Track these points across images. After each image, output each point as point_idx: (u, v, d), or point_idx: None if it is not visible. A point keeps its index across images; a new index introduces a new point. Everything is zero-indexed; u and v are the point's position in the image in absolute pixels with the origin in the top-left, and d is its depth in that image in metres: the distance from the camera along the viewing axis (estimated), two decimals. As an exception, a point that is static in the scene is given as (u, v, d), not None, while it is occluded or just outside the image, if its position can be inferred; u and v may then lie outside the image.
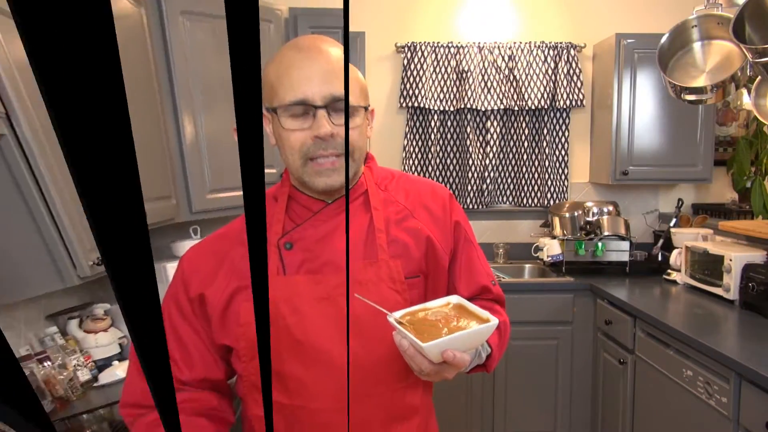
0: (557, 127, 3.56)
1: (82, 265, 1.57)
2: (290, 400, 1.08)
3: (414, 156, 3.54)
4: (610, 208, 3.32)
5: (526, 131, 3.56)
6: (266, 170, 2.85)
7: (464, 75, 3.46)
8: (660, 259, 3.26)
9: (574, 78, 3.49)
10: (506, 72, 3.49)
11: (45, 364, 2.02)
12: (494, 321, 0.97)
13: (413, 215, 1.14)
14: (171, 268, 2.32)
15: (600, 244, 3.18)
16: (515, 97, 3.49)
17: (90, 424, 1.86)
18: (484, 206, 3.57)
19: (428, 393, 1.22)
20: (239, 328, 1.06)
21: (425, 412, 1.20)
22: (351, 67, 1.07)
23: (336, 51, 1.01)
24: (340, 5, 3.26)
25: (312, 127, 0.98)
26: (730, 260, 2.47)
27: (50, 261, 1.53)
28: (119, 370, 2.21)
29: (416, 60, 3.45)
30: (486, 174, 3.54)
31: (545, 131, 3.54)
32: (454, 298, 1.06)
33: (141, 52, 1.89)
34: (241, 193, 2.28)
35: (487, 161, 3.54)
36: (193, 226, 2.47)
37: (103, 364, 2.31)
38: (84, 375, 2.15)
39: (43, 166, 1.44)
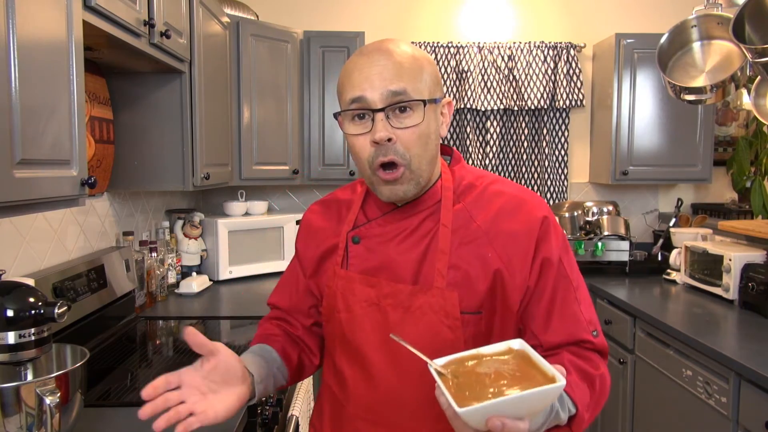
0: (557, 127, 3.56)
1: (197, 176, 2.19)
2: (338, 391, 1.09)
3: (414, 156, 3.54)
4: (610, 207, 3.32)
5: (526, 131, 3.56)
6: (278, 167, 2.98)
7: (464, 75, 3.46)
8: (660, 258, 3.26)
9: (574, 78, 3.49)
10: (506, 72, 3.49)
11: (152, 254, 2.48)
12: (561, 382, 0.75)
13: (487, 239, 0.98)
14: (221, 224, 2.92)
15: (600, 243, 3.19)
16: (515, 97, 3.49)
17: (162, 332, 2.18)
18: (484, 206, 3.57)
19: None
20: (326, 289, 1.09)
21: None
22: (417, 55, 0.99)
23: (402, 48, 0.97)
24: (348, 28, 3.36)
25: (371, 131, 0.95)
26: (730, 260, 2.48)
27: (181, 167, 2.15)
28: (194, 283, 2.68)
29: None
30: (486, 174, 3.54)
31: (545, 131, 3.54)
32: (517, 344, 0.86)
33: (223, 59, 2.63)
34: (277, 167, 2.73)
35: (487, 161, 3.54)
36: (240, 190, 3.14)
37: (186, 272, 2.86)
38: (172, 277, 2.72)
39: (198, 99, 2.17)
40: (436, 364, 0.82)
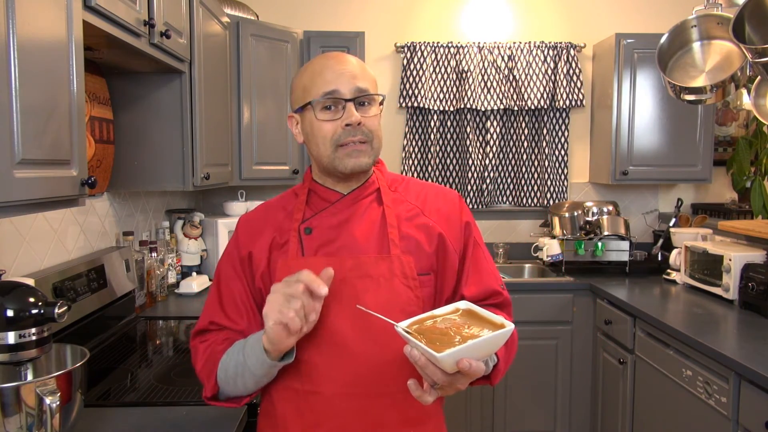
0: (557, 127, 3.56)
1: (197, 176, 2.18)
2: (302, 384, 1.10)
3: (414, 156, 3.54)
4: (610, 207, 3.32)
5: (526, 131, 3.56)
6: (278, 167, 2.98)
7: (464, 75, 3.46)
8: (660, 258, 3.26)
9: (574, 78, 3.49)
10: (506, 72, 3.49)
11: (152, 254, 2.49)
12: (510, 326, 0.92)
13: (424, 213, 1.18)
14: (222, 224, 2.95)
15: (600, 243, 3.19)
16: (515, 97, 3.49)
17: (162, 332, 2.18)
18: (484, 206, 3.58)
19: (441, 397, 1.19)
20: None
21: (438, 416, 1.19)
22: (365, 65, 1.19)
23: (357, 60, 1.18)
24: (347, 28, 3.37)
25: (343, 117, 1.11)
26: (730, 260, 2.48)
27: (181, 167, 2.15)
28: (195, 283, 2.70)
29: (416, 60, 3.45)
30: (486, 174, 3.54)
31: (545, 131, 3.54)
32: (463, 304, 1.02)
33: (223, 59, 2.65)
34: (277, 167, 2.69)
35: (487, 161, 3.54)
36: (240, 190, 3.19)
37: (186, 272, 2.87)
38: (172, 277, 2.73)
39: (198, 99, 2.18)
40: (402, 325, 0.94)
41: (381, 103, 1.19)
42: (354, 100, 1.12)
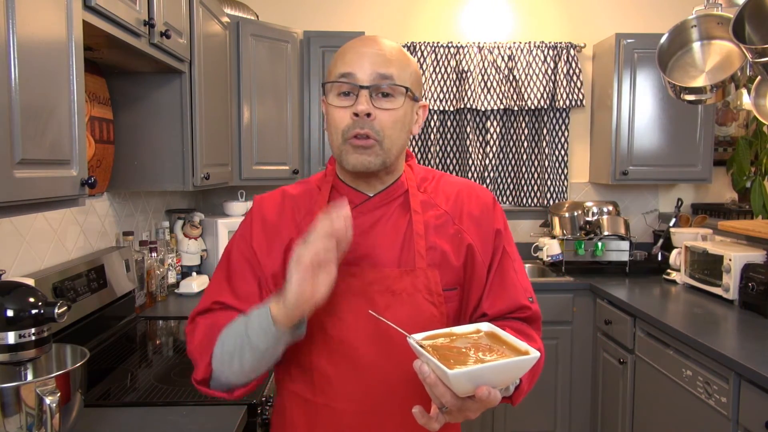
0: (557, 127, 3.56)
1: (197, 176, 2.18)
2: (314, 396, 1.05)
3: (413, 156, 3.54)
4: (610, 207, 3.32)
5: (526, 131, 3.56)
6: (278, 167, 2.97)
7: (464, 75, 3.46)
8: (660, 258, 3.26)
9: (574, 78, 3.49)
10: (506, 72, 3.49)
11: (152, 254, 2.50)
12: (534, 354, 0.82)
13: (454, 221, 1.09)
14: (222, 224, 2.94)
15: (600, 243, 3.19)
16: (515, 97, 3.49)
17: (162, 332, 2.19)
18: (484, 206, 3.57)
19: None
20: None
21: None
22: (406, 53, 1.07)
23: (393, 43, 1.06)
24: (348, 28, 3.36)
25: (354, 104, 1.00)
26: (730, 260, 2.48)
27: (181, 167, 2.15)
28: (195, 283, 2.70)
29: (416, 60, 3.45)
30: (486, 174, 3.54)
31: (545, 131, 3.54)
32: (485, 326, 0.93)
33: (223, 59, 2.65)
34: (277, 167, 2.71)
35: (487, 161, 3.54)
36: (240, 190, 3.18)
37: (186, 272, 2.87)
38: (172, 277, 2.73)
39: (198, 99, 2.18)
40: (415, 338, 0.87)
41: (414, 99, 1.05)
42: (370, 88, 0.99)
